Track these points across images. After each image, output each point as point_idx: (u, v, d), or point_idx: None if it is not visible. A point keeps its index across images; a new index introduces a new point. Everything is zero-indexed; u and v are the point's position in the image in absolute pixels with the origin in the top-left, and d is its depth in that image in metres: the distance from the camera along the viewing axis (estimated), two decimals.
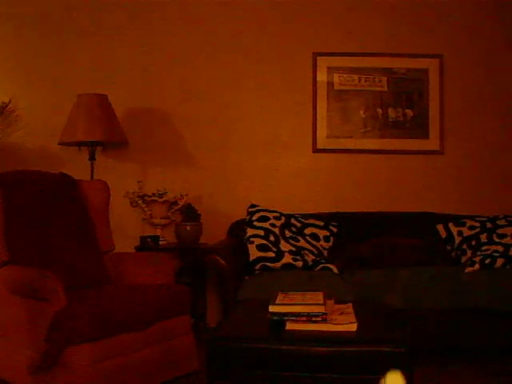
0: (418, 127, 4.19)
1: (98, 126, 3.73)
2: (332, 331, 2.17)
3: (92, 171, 3.92)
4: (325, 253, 3.77)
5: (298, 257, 3.52)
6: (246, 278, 3.44)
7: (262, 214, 3.76)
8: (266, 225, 3.68)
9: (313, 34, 4.20)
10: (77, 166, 3.96)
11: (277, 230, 3.67)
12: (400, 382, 1.02)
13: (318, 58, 4.18)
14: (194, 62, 4.20)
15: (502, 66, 4.18)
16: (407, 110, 4.19)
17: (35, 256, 2.72)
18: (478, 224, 3.77)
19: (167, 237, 4.05)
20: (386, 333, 2.22)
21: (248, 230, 3.68)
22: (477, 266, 3.37)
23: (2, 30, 4.19)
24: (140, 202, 3.98)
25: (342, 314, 2.33)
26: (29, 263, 2.63)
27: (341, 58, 4.18)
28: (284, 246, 3.56)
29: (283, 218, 3.77)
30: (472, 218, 3.85)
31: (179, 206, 4.01)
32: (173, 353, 2.67)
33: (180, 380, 2.75)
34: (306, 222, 3.85)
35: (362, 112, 4.19)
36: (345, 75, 4.19)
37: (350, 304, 2.51)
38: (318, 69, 4.19)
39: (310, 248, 3.69)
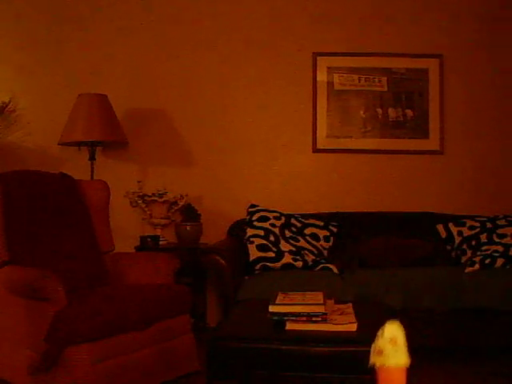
0: (418, 127, 4.19)
1: (97, 126, 3.73)
2: (332, 331, 2.16)
3: (92, 171, 3.92)
4: (325, 253, 3.77)
5: (298, 257, 3.52)
6: (246, 278, 3.44)
7: (262, 214, 3.76)
8: (266, 225, 3.68)
9: (313, 34, 4.20)
10: (77, 166, 3.96)
11: (277, 230, 3.67)
12: (399, 331, 1.02)
13: (318, 57, 4.18)
14: (194, 62, 4.20)
15: (502, 65, 4.18)
16: (407, 110, 4.19)
17: (35, 256, 2.72)
18: (478, 224, 3.77)
19: (167, 237, 4.05)
20: None
21: (248, 230, 3.68)
22: (477, 266, 3.37)
23: (1, 30, 4.19)
24: (140, 201, 3.98)
25: (342, 314, 2.33)
26: (29, 263, 2.64)
27: (341, 58, 4.18)
28: (284, 246, 3.56)
29: (283, 218, 3.77)
30: (472, 218, 3.85)
31: (179, 206, 4.01)
32: (173, 353, 2.67)
33: (180, 380, 2.75)
34: (306, 221, 3.85)
35: (361, 112, 4.19)
36: (345, 75, 4.19)
37: (350, 304, 2.51)
38: (318, 69, 4.19)
39: (310, 248, 3.69)
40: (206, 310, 3.97)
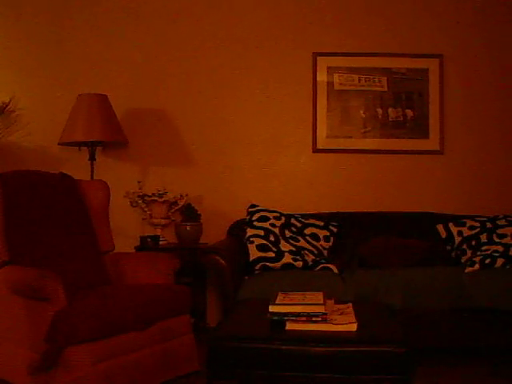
0: (418, 127, 4.19)
1: (97, 126, 3.73)
2: (332, 331, 2.17)
3: (92, 171, 3.92)
4: (325, 253, 3.77)
5: (297, 257, 3.52)
6: (246, 278, 3.44)
7: (261, 214, 3.76)
8: (266, 225, 3.68)
9: (313, 34, 4.20)
10: (77, 166, 3.96)
11: (277, 230, 3.67)
12: None
13: (318, 57, 4.18)
14: (194, 62, 4.20)
15: (502, 65, 4.18)
16: (407, 110, 4.19)
17: (35, 256, 2.72)
18: (478, 224, 3.77)
19: (167, 237, 4.05)
20: (385, 333, 2.22)
21: (248, 230, 3.68)
22: (477, 266, 3.37)
23: (1, 31, 4.19)
24: (140, 201, 3.98)
25: (342, 314, 2.33)
26: (29, 263, 2.64)
27: (341, 58, 4.18)
28: (284, 246, 3.56)
29: (283, 218, 3.78)
30: (472, 218, 3.85)
31: (179, 206, 4.01)
32: (173, 353, 2.67)
33: (180, 380, 2.75)
34: (306, 221, 3.85)
35: (361, 112, 4.19)
36: (345, 75, 4.19)
37: (350, 304, 2.51)
38: (318, 69, 4.19)
39: (310, 248, 3.69)
40: (205, 310, 3.97)
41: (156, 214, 3.99)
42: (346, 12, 4.20)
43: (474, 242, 3.68)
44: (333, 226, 3.90)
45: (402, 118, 4.19)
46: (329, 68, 4.19)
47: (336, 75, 4.19)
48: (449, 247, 3.80)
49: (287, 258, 3.48)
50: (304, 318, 2.19)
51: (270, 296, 2.36)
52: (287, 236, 3.67)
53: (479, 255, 3.50)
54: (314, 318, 2.19)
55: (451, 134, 4.19)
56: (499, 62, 4.18)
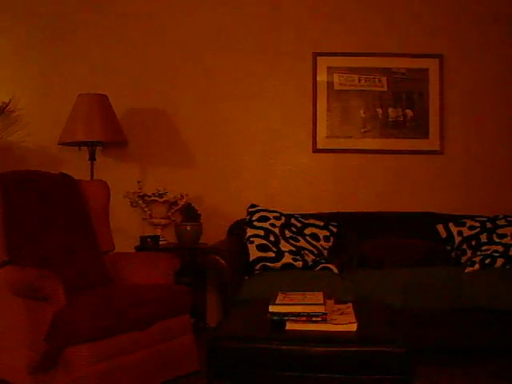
0: (418, 127, 4.19)
1: (97, 126, 3.74)
2: (332, 331, 2.17)
3: (92, 171, 3.92)
4: (325, 253, 3.77)
5: (297, 257, 3.52)
6: (246, 278, 3.44)
7: (261, 214, 3.76)
8: (266, 225, 3.68)
9: (313, 34, 4.20)
10: (77, 166, 3.96)
11: (277, 230, 3.67)
12: None
13: (318, 58, 4.18)
14: (194, 62, 4.20)
15: (502, 65, 4.18)
16: (407, 110, 4.19)
17: (35, 256, 2.72)
18: (478, 224, 3.77)
19: (167, 237, 4.05)
20: (385, 333, 2.22)
21: (248, 230, 3.68)
22: (477, 266, 3.37)
23: (1, 31, 4.19)
24: (140, 201, 3.98)
25: (342, 314, 2.33)
26: (29, 263, 2.64)
27: (341, 58, 4.18)
28: (284, 246, 3.56)
29: (283, 218, 3.77)
30: (472, 218, 3.85)
31: (179, 206, 4.01)
32: (173, 353, 2.67)
33: (180, 380, 2.75)
34: (306, 221, 3.85)
35: (361, 112, 4.19)
36: (345, 75, 4.19)
37: (350, 304, 2.51)
38: (318, 69, 4.19)
39: (310, 248, 3.69)
40: (205, 310, 3.97)
41: (156, 213, 3.99)
42: (346, 12, 4.20)
43: (473, 242, 3.68)
44: (333, 226, 3.90)
45: (401, 118, 4.19)
46: (329, 68, 4.19)
47: (336, 75, 4.19)
48: (449, 247, 3.79)
49: (287, 258, 3.48)
50: (304, 318, 2.19)
51: (270, 296, 2.36)
52: (287, 236, 3.67)
53: (479, 255, 3.50)
54: (314, 318, 2.19)
55: (451, 134, 4.19)
56: (499, 62, 4.18)
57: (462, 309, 3.18)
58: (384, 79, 4.18)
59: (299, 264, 3.47)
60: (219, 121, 4.20)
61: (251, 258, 3.51)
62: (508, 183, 4.16)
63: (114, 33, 4.19)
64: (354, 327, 2.18)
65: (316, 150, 4.20)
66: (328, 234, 3.84)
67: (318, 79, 4.19)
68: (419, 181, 4.19)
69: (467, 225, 3.79)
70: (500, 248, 3.51)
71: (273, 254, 3.49)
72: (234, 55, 4.20)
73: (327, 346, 2.08)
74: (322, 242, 3.79)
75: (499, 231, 3.67)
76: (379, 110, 4.19)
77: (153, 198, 3.95)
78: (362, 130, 4.20)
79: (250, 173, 4.20)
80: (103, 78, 4.15)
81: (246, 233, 3.67)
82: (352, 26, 4.19)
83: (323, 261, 3.56)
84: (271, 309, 2.22)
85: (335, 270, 3.44)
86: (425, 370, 3.11)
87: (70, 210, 3.02)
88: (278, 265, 3.46)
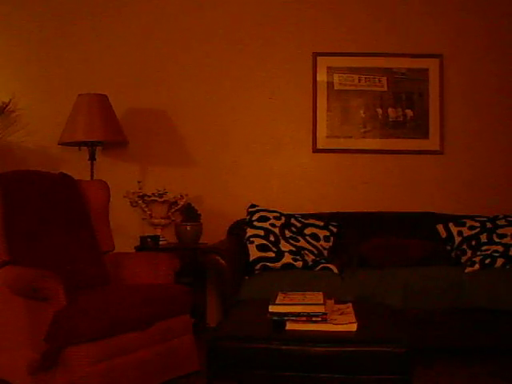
0: (418, 127, 4.19)
1: (97, 126, 3.73)
2: (332, 331, 2.17)
3: (92, 171, 3.92)
4: (325, 253, 3.77)
5: (297, 257, 3.52)
6: (246, 278, 3.44)
7: (261, 214, 3.76)
8: (266, 225, 3.68)
9: (313, 34, 4.20)
10: (77, 166, 3.96)
11: (277, 230, 3.67)
12: None
13: (318, 57, 4.18)
14: (194, 62, 4.20)
15: (503, 65, 4.18)
16: (407, 110, 4.19)
17: (35, 256, 2.72)
18: (478, 224, 3.77)
19: (167, 237, 4.05)
20: (385, 333, 2.22)
21: (248, 230, 3.68)
22: (477, 266, 3.37)
23: (2, 31, 4.19)
24: (140, 202, 3.98)
25: (342, 314, 2.33)
26: (29, 263, 2.64)
27: (341, 58, 4.18)
28: (284, 246, 3.56)
29: (283, 218, 3.77)
30: (472, 218, 3.85)
31: (179, 206, 4.01)
32: (173, 353, 2.67)
33: (180, 380, 2.75)
34: (306, 222, 3.85)
35: (362, 112, 4.19)
36: (345, 75, 4.19)
37: (350, 304, 2.51)
38: (317, 69, 4.19)
39: (310, 248, 3.69)
40: (205, 310, 3.97)
41: (156, 213, 3.99)
42: (346, 12, 4.19)
43: (474, 242, 3.68)
44: (333, 226, 3.90)
45: (401, 118, 4.19)
46: (329, 68, 4.19)
47: (336, 75, 4.19)
48: (449, 247, 3.79)
49: (287, 258, 3.48)
50: (304, 318, 2.19)
51: (270, 296, 2.36)
52: (287, 236, 3.67)
53: (479, 255, 3.50)
54: (314, 318, 2.19)
55: (451, 134, 4.19)
56: (499, 62, 4.18)
57: (462, 309, 3.18)
58: (384, 79, 4.18)
59: (299, 264, 3.47)
60: (219, 121, 4.20)
61: (251, 258, 3.51)
62: (508, 183, 4.15)
63: (114, 33, 4.19)
64: (353, 327, 2.18)
65: (316, 150, 4.20)
66: (328, 233, 3.84)
67: (317, 79, 4.19)
68: (419, 181, 4.19)
69: (467, 225, 3.79)
70: (500, 248, 3.51)
71: (273, 254, 3.49)
72: (234, 55, 4.20)
73: (327, 345, 2.08)
74: (321, 242, 3.79)
75: (499, 231, 3.67)
76: (379, 110, 4.19)
77: (153, 198, 3.95)
78: (362, 130, 4.20)
79: (250, 173, 4.20)
80: (103, 78, 4.15)
81: (246, 233, 3.67)
82: (352, 26, 4.19)
83: (323, 261, 3.56)
84: (271, 309, 2.22)
85: (335, 270, 3.44)
86: (425, 370, 3.11)
87: (70, 209, 3.02)
88: (278, 265, 3.46)
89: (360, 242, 3.74)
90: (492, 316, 3.17)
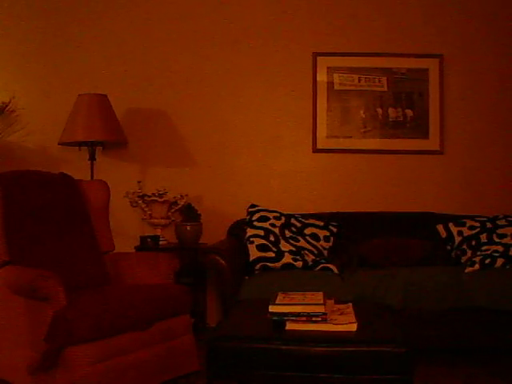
0: (418, 127, 4.19)
1: (97, 126, 3.74)
2: (332, 331, 2.17)
3: (92, 171, 3.92)
4: (325, 253, 3.77)
5: (297, 257, 3.52)
6: (246, 278, 3.44)
7: (262, 213, 3.76)
8: (266, 225, 3.68)
9: (313, 34, 4.20)
10: (77, 166, 3.96)
11: (277, 230, 3.67)
12: None
13: (318, 57, 4.18)
14: (194, 62, 4.20)
15: (503, 65, 4.18)
16: (407, 110, 4.19)
17: (35, 256, 2.72)
18: (478, 224, 3.77)
19: (167, 237, 4.05)
20: (385, 333, 2.22)
21: (248, 229, 3.68)
22: (477, 266, 3.37)
23: (1, 30, 4.19)
24: (140, 202, 3.98)
25: (342, 314, 2.33)
26: (29, 263, 2.64)
27: (341, 58, 4.18)
28: (284, 246, 3.56)
29: (283, 218, 3.77)
30: (472, 218, 3.85)
31: (179, 206, 4.01)
32: (173, 353, 2.67)
33: (180, 380, 2.75)
34: (306, 221, 3.85)
35: (362, 112, 4.19)
36: (345, 75, 4.19)
37: (350, 304, 2.51)
38: (317, 69, 4.19)
39: (310, 248, 3.69)
40: (205, 310, 3.97)
41: (156, 213, 3.99)
42: (345, 12, 4.19)
43: (473, 242, 3.68)
44: (333, 226, 3.90)
45: (401, 118, 4.19)
46: (329, 68, 4.19)
47: (336, 75, 4.19)
48: (449, 247, 3.80)
49: (287, 258, 3.48)
50: (304, 318, 2.19)
51: (270, 296, 2.36)
52: (287, 236, 3.67)
53: (479, 255, 3.50)
54: (314, 318, 2.19)
55: (451, 134, 4.19)
56: (499, 62, 4.18)
57: (462, 309, 3.18)
58: (384, 79, 4.18)
59: (299, 264, 3.47)
60: (219, 121, 4.20)
61: (251, 258, 3.51)
62: (508, 183, 4.15)
63: (113, 33, 4.19)
64: (353, 327, 2.18)
65: (316, 150, 4.20)
66: (328, 233, 3.84)
67: (317, 79, 4.19)
68: (419, 181, 4.19)
69: (467, 225, 3.79)
70: (500, 248, 3.51)
71: (273, 254, 3.49)
72: (233, 55, 4.20)
73: (327, 346, 2.08)
74: (322, 242, 3.79)
75: (499, 231, 3.67)
76: (379, 110, 4.19)
77: (153, 198, 3.95)
78: (362, 130, 4.20)
79: (250, 173, 4.20)
80: (103, 78, 4.15)
81: (246, 233, 3.67)
82: (352, 26, 4.19)
83: (323, 261, 3.56)
84: (271, 309, 2.22)
85: (335, 270, 3.44)
86: (425, 370, 3.11)
87: (70, 209, 3.02)
88: (278, 265, 3.46)
89: (360, 242, 3.74)
90: (492, 316, 3.17)
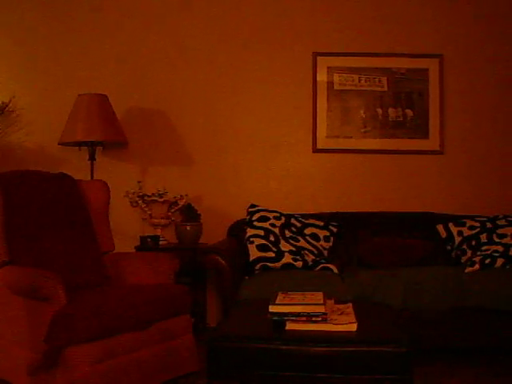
0: (418, 127, 4.19)
1: (97, 126, 3.73)
2: (332, 331, 2.17)
3: (92, 171, 3.92)
4: (325, 253, 3.77)
5: (298, 257, 3.52)
6: (246, 278, 3.44)
7: (262, 214, 3.76)
8: (266, 225, 3.68)
9: (313, 34, 4.20)
10: (77, 166, 3.96)
11: (277, 230, 3.67)
12: None
13: (318, 57, 4.18)
14: (194, 62, 4.20)
15: (503, 65, 4.18)
16: (407, 110, 4.19)
17: (35, 256, 2.72)
18: (478, 224, 3.77)
19: (167, 237, 4.05)
20: (385, 333, 2.22)
21: (248, 229, 3.68)
22: (477, 266, 3.37)
23: (2, 30, 4.19)
24: (140, 201, 3.98)
25: (342, 314, 2.33)
26: (29, 263, 2.64)
27: (341, 58, 4.18)
28: (284, 246, 3.56)
29: (283, 218, 3.77)
30: (472, 218, 3.85)
31: (179, 206, 4.01)
32: (173, 353, 2.67)
33: (180, 380, 2.75)
34: (306, 222, 3.85)
35: (362, 112, 4.19)
36: (345, 75, 4.19)
37: (350, 304, 2.51)
38: (317, 69, 4.18)
39: (310, 248, 3.69)
40: (205, 309, 3.97)
41: (156, 214, 3.99)
42: (345, 12, 4.19)
43: (474, 242, 3.68)
44: (333, 226, 3.90)
45: (401, 118, 4.19)
46: (329, 68, 4.19)
47: (336, 75, 4.19)
48: (449, 247, 3.80)
49: (287, 258, 3.48)
50: (304, 318, 2.19)
51: (270, 296, 2.36)
52: (287, 236, 3.67)
53: (479, 255, 3.50)
54: (314, 318, 2.19)
55: (451, 134, 4.19)
56: (499, 62, 4.18)
57: (462, 309, 3.18)
58: (384, 79, 4.18)
59: (299, 264, 3.47)
60: (219, 121, 4.20)
61: (251, 258, 3.51)
62: (508, 183, 4.15)
63: (114, 33, 4.19)
64: (354, 327, 2.18)
65: (316, 150, 4.20)
66: (328, 234, 3.84)
67: (318, 79, 4.19)
68: (419, 181, 4.19)
69: (467, 225, 3.79)
70: (500, 248, 3.51)
71: (273, 254, 3.49)
72: (234, 55, 4.20)
73: (327, 345, 2.08)
74: (322, 242, 3.79)
75: (499, 231, 3.67)
76: (379, 110, 4.19)
77: (153, 198, 3.95)
78: (362, 130, 4.20)
79: (250, 173, 4.20)
80: (103, 78, 4.15)
81: (246, 233, 3.67)
82: (352, 25, 4.19)
83: (323, 261, 3.56)
84: (271, 309, 2.22)
85: (335, 270, 3.44)
86: (425, 370, 3.11)
87: (69, 209, 3.02)
88: (278, 265, 3.46)
89: (360, 242, 3.74)
90: (492, 316, 3.17)
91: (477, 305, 3.16)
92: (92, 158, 3.94)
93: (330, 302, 2.43)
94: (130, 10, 4.20)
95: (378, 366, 2.05)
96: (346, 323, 2.19)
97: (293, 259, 3.48)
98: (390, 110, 4.19)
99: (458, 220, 3.85)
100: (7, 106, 4.01)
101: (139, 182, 4.07)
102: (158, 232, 4.01)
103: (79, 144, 3.97)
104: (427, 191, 4.18)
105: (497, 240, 3.61)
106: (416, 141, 4.18)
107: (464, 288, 3.20)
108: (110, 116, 3.83)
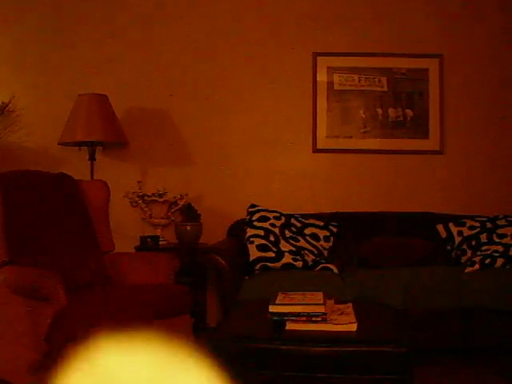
0: (418, 127, 4.18)
1: (97, 126, 3.74)
2: (332, 331, 2.16)
3: (92, 171, 3.92)
4: (325, 253, 3.77)
5: (297, 257, 3.52)
6: (246, 278, 3.44)
7: (262, 214, 3.76)
8: (266, 225, 3.68)
9: (313, 34, 4.20)
10: (77, 166, 3.96)
11: (277, 230, 3.67)
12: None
13: (318, 57, 4.18)
14: (194, 62, 4.20)
15: (503, 65, 4.18)
16: (407, 110, 4.19)
17: (35, 256, 2.72)
18: (478, 224, 3.77)
19: (167, 237, 4.04)
20: (385, 333, 2.22)
21: (248, 230, 3.68)
22: (477, 266, 3.37)
23: (2, 30, 4.19)
24: (140, 201, 3.98)
25: (342, 314, 2.33)
26: (29, 263, 2.64)
27: (341, 58, 4.18)
28: (284, 246, 3.56)
29: (283, 218, 3.77)
30: (472, 218, 3.85)
31: (179, 206, 4.01)
32: None
33: None
34: (306, 221, 3.85)
35: (362, 112, 4.19)
36: (345, 75, 4.19)
37: (350, 304, 2.51)
38: (317, 69, 4.18)
39: (310, 248, 3.69)
40: (205, 309, 3.97)
41: (156, 214, 3.99)
42: (346, 12, 4.19)
43: (474, 242, 3.68)
44: (333, 226, 3.90)
45: (402, 118, 4.19)
46: (329, 68, 4.19)
47: (336, 75, 4.19)
48: (449, 247, 3.79)
49: (287, 258, 3.48)
50: (304, 318, 2.19)
51: (270, 296, 2.36)
52: (287, 236, 3.67)
53: (479, 255, 3.50)
54: (313, 318, 2.19)
55: (451, 134, 4.19)
56: (499, 62, 4.18)
57: (462, 309, 3.18)
58: (384, 79, 4.18)
59: (299, 264, 3.47)
60: (219, 121, 4.20)
61: (251, 258, 3.51)
62: (508, 183, 4.15)
63: (114, 33, 4.19)
64: (354, 327, 2.18)
65: (316, 150, 4.20)
66: (328, 234, 3.84)
67: (317, 79, 4.19)
68: (419, 181, 4.19)
69: (467, 225, 3.79)
70: (500, 248, 3.51)
71: (273, 254, 3.49)
72: (234, 55, 4.20)
73: (327, 345, 2.08)
74: (322, 242, 3.79)
75: (499, 231, 3.67)
76: (379, 110, 4.19)
77: (153, 198, 3.95)
78: (362, 130, 4.19)
79: (250, 173, 4.19)
80: (103, 78, 4.15)
81: (246, 233, 3.67)
82: (352, 26, 4.19)
83: (323, 261, 3.56)
84: (271, 309, 2.22)
85: (335, 270, 3.44)
86: (425, 370, 3.11)
87: (69, 210, 3.02)
88: (278, 265, 3.46)
89: (360, 242, 3.74)
90: (492, 316, 3.17)
91: (477, 305, 3.16)
92: (92, 158, 3.94)
93: (330, 302, 2.43)
94: (130, 10, 4.20)
95: (378, 366, 2.05)
96: (345, 323, 2.19)
97: (293, 259, 3.48)
98: (390, 110, 4.19)
99: (458, 220, 3.85)
100: (7, 106, 4.01)
101: (139, 181, 4.07)
102: (158, 232, 4.01)
103: (79, 144, 3.97)
104: (427, 191, 4.18)
105: (497, 240, 3.61)
106: (416, 141, 4.18)
107: (464, 288, 3.20)
108: (110, 116, 3.83)
